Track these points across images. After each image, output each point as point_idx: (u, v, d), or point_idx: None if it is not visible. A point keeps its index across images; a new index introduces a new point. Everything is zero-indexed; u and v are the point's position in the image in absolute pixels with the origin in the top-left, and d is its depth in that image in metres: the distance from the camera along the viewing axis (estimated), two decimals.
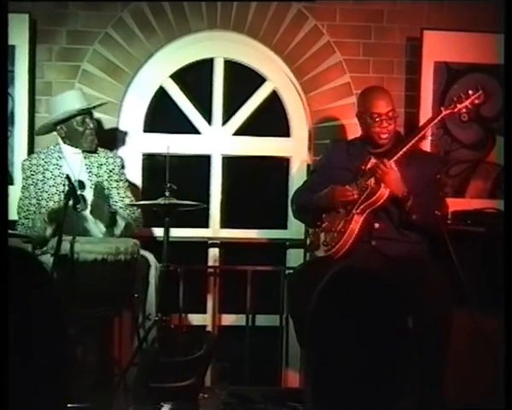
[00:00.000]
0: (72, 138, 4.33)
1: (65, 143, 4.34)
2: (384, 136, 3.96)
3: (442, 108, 3.90)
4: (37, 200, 4.27)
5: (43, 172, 4.29)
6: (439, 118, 3.90)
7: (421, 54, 4.74)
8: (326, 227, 3.98)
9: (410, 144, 3.88)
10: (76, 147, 4.33)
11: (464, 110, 3.89)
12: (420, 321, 3.50)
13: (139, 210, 4.39)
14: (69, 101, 4.33)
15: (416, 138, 3.96)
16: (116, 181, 4.39)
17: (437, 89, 4.72)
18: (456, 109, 3.87)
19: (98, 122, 4.52)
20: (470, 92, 3.86)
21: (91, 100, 4.46)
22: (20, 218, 4.28)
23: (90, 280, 3.81)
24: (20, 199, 4.31)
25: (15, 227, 4.25)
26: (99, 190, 4.30)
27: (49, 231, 4.10)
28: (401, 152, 3.86)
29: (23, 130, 4.58)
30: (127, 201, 4.36)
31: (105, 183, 4.35)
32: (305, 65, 4.80)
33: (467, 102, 3.87)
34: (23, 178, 4.32)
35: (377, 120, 3.95)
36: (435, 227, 3.97)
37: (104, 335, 4.09)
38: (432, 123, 3.98)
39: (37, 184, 4.29)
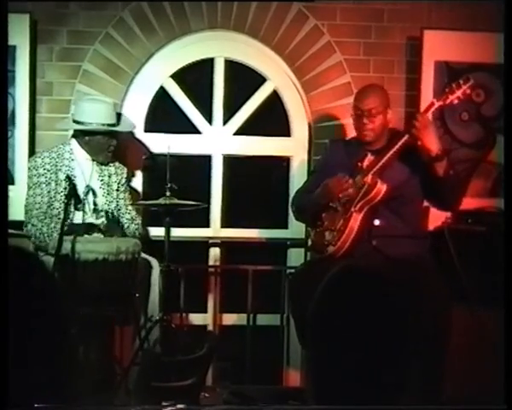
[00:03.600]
0: (90, 147, 4.25)
1: (80, 146, 4.26)
2: (365, 132, 3.92)
3: (434, 100, 3.88)
4: (49, 198, 4.19)
5: (56, 173, 4.21)
6: (431, 110, 3.87)
7: (422, 53, 4.74)
8: (326, 227, 3.97)
9: (404, 140, 3.85)
10: (89, 155, 4.27)
11: (456, 101, 3.86)
12: (420, 320, 3.50)
13: (140, 221, 4.40)
14: (101, 113, 4.23)
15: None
16: (123, 192, 4.39)
17: (437, 88, 4.71)
18: (448, 101, 3.83)
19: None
20: (461, 82, 3.84)
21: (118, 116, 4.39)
22: (31, 216, 4.17)
23: (91, 280, 3.81)
24: (30, 196, 4.21)
25: (25, 226, 4.17)
26: (110, 200, 4.30)
27: (53, 239, 3.98)
28: (396, 147, 3.84)
29: (24, 130, 4.57)
30: (133, 213, 4.37)
31: (114, 193, 4.34)
32: (305, 64, 4.80)
33: (458, 93, 3.83)
34: (34, 175, 4.21)
35: (357, 114, 3.94)
36: (463, 190, 4.04)
37: (105, 335, 4.09)
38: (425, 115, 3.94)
39: (50, 183, 4.21)
